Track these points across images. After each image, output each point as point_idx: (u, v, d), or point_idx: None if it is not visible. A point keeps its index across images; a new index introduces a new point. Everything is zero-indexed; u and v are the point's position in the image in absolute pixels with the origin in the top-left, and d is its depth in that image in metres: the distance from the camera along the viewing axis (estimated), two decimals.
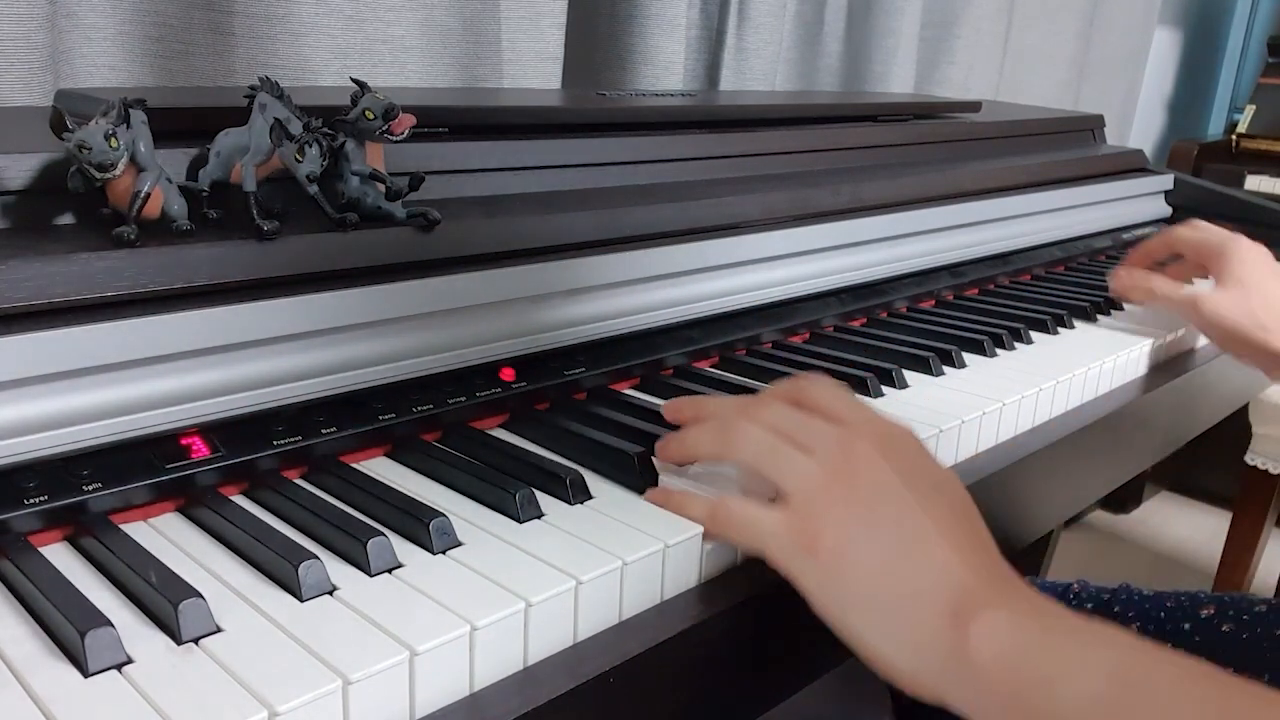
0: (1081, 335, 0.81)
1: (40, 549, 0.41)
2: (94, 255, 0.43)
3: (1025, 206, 0.99)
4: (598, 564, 0.41)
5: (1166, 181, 1.24)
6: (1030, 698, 0.37)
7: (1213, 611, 0.68)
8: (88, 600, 0.36)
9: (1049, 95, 1.93)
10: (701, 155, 0.79)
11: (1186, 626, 0.67)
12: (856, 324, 0.79)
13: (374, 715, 0.34)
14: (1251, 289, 0.74)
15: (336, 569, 0.40)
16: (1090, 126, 1.33)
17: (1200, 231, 0.81)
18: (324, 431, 0.48)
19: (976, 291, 0.91)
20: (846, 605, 0.42)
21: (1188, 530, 2.19)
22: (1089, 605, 0.72)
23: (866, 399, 0.63)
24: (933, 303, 0.87)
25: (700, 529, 0.45)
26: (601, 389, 0.61)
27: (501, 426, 0.56)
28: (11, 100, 0.76)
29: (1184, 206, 1.26)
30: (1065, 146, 1.25)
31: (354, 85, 0.52)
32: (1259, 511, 1.71)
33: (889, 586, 0.41)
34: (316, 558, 0.39)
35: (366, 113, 0.51)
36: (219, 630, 0.36)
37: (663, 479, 0.49)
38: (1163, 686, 0.36)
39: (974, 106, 1.21)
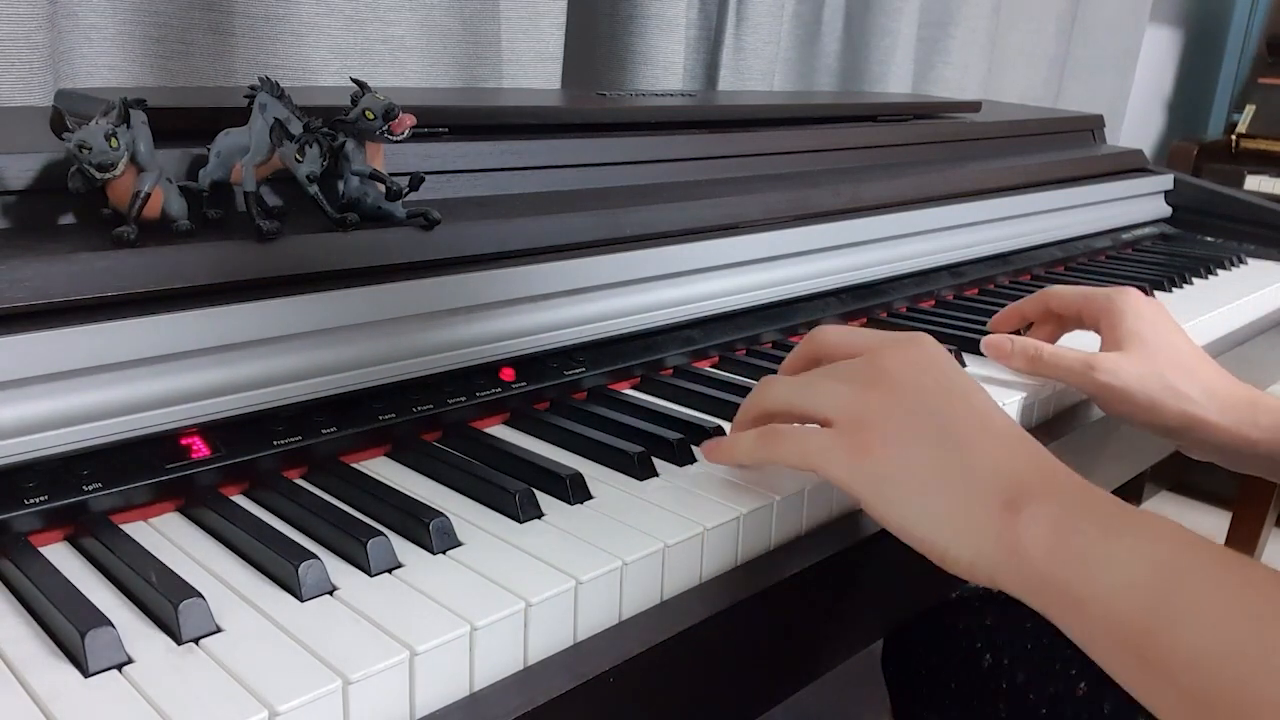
0: (1080, 335, 0.81)
1: (40, 549, 0.40)
2: (94, 255, 0.43)
3: (1025, 206, 0.99)
4: (598, 564, 0.41)
5: (1166, 181, 1.24)
6: (1073, 584, 0.38)
7: None
8: (88, 600, 0.36)
9: (1029, 94, 1.93)
10: (701, 155, 0.79)
11: None
12: (856, 324, 0.79)
13: (374, 715, 0.34)
14: (1156, 348, 0.63)
15: (336, 569, 0.40)
16: (1090, 126, 1.33)
17: (1077, 288, 0.70)
18: (324, 431, 0.48)
19: (976, 291, 0.91)
20: (901, 501, 0.43)
21: None
22: None
23: None
24: (933, 303, 0.87)
25: (700, 528, 0.45)
26: (601, 389, 0.61)
27: (502, 426, 0.56)
28: (11, 100, 0.76)
29: (1184, 206, 1.26)
30: (1065, 146, 1.25)
31: (354, 85, 0.52)
32: (1259, 511, 1.71)
33: (942, 479, 0.42)
34: (316, 558, 0.39)
35: (366, 113, 0.51)
36: (219, 630, 0.36)
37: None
38: (1204, 578, 0.36)
39: (974, 106, 1.21)
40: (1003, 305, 0.82)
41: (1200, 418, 0.62)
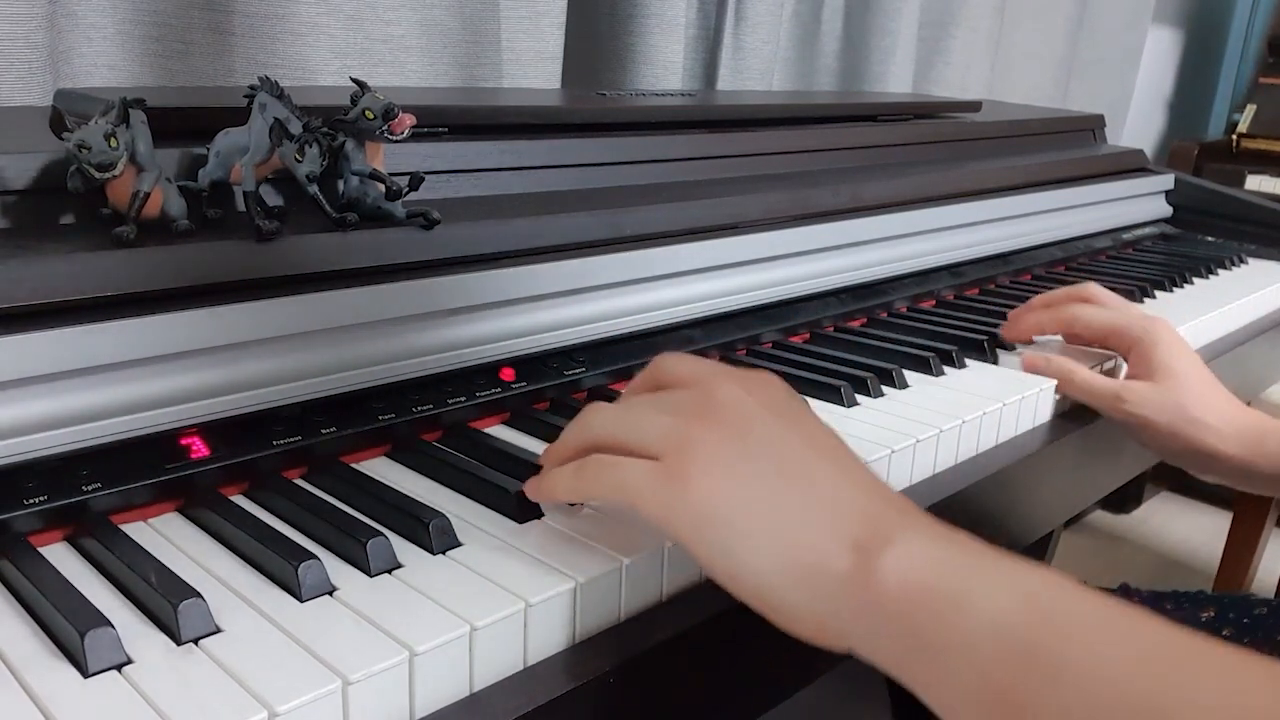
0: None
1: (40, 549, 0.40)
2: (94, 255, 0.43)
3: (1025, 206, 0.99)
4: (598, 564, 0.41)
5: (1167, 181, 1.24)
6: (933, 625, 0.34)
7: (1213, 614, 0.67)
8: (88, 600, 0.36)
9: (1036, 94, 1.93)
10: (701, 155, 0.79)
11: None
12: (856, 324, 0.79)
13: (374, 715, 0.34)
14: (1182, 381, 0.65)
15: (336, 569, 0.40)
16: (1090, 126, 1.33)
17: (1108, 311, 0.71)
18: (324, 431, 0.48)
19: (977, 291, 0.91)
20: (729, 541, 0.37)
21: (1188, 530, 2.19)
22: None
23: (866, 398, 0.63)
24: (933, 303, 0.87)
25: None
26: (601, 389, 0.61)
27: (502, 426, 0.56)
28: (11, 100, 0.76)
29: (1185, 206, 1.26)
30: (1065, 146, 1.25)
31: (354, 85, 0.52)
32: (1259, 511, 1.71)
33: (776, 513, 0.37)
34: (316, 558, 0.39)
35: (366, 113, 0.51)
36: (219, 630, 0.36)
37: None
38: (1080, 619, 0.32)
39: (974, 106, 1.21)
40: (1003, 305, 0.83)
41: (1214, 447, 0.65)
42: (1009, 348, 0.75)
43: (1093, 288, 0.74)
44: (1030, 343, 0.76)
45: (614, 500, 0.41)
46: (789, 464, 0.38)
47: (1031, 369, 0.69)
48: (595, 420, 0.42)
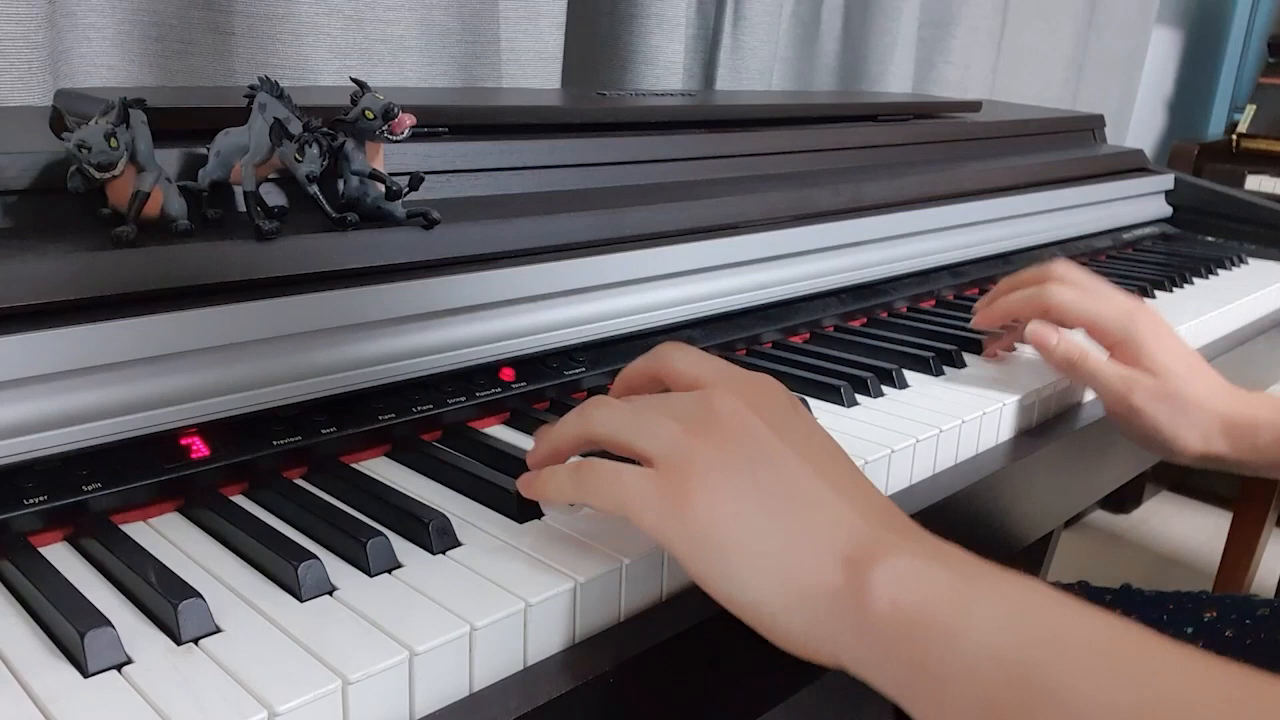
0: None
1: (40, 549, 0.40)
2: (94, 255, 0.43)
3: (1025, 206, 0.99)
4: (598, 564, 0.41)
5: (1167, 181, 1.24)
6: (931, 650, 0.33)
7: (1215, 614, 0.67)
8: (88, 600, 0.36)
9: (1045, 95, 1.93)
10: (701, 155, 0.79)
11: (1189, 630, 0.67)
12: (856, 324, 0.79)
13: (374, 715, 0.34)
14: (1179, 380, 0.63)
15: (336, 569, 0.40)
16: (1090, 126, 1.33)
17: (1089, 299, 0.65)
18: (324, 431, 0.48)
19: (977, 291, 0.91)
20: (725, 560, 0.37)
21: (1188, 530, 2.19)
22: None
23: (866, 398, 0.63)
24: (933, 303, 0.87)
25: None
26: (601, 389, 0.61)
27: (501, 426, 0.56)
28: (10, 100, 0.76)
29: (1184, 206, 1.26)
30: (1065, 146, 1.25)
31: (354, 85, 0.52)
32: (1259, 511, 1.71)
33: (772, 534, 0.37)
34: (316, 558, 0.39)
35: (366, 113, 0.51)
36: (219, 630, 0.36)
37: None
38: (1079, 644, 0.32)
39: (974, 106, 1.21)
40: None
41: (1210, 451, 0.63)
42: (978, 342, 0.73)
43: (1060, 266, 0.68)
44: (1006, 329, 0.73)
45: (609, 510, 0.41)
46: (785, 484, 0.38)
47: (1039, 341, 0.64)
48: (597, 417, 0.42)
